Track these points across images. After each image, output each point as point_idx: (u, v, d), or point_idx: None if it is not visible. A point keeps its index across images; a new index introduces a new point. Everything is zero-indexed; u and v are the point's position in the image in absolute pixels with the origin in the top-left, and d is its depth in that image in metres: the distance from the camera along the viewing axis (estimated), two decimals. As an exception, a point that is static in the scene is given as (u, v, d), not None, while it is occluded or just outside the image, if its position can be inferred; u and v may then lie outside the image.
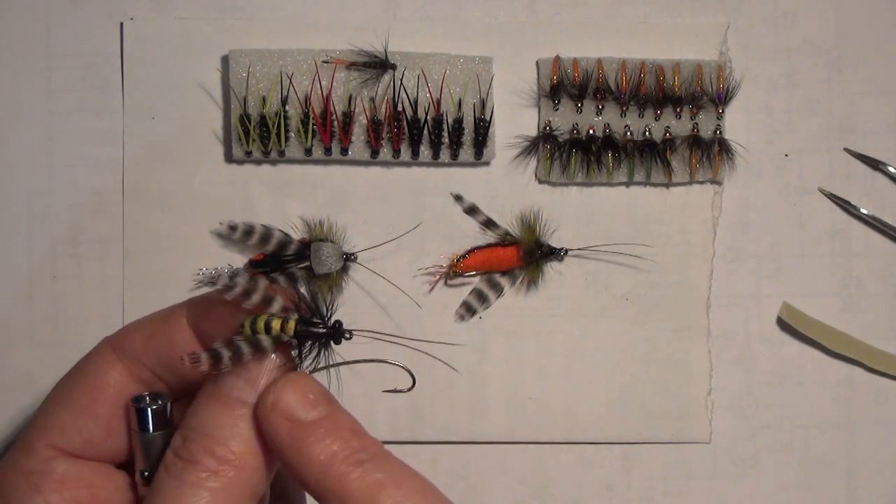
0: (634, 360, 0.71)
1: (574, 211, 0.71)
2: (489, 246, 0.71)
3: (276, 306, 0.47)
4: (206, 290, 0.47)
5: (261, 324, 0.46)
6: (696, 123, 0.70)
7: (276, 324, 0.46)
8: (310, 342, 0.47)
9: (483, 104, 0.70)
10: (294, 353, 0.48)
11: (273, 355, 0.47)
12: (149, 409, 0.49)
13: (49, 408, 0.50)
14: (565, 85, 0.70)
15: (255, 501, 0.47)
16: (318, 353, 0.48)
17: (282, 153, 0.70)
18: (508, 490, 0.71)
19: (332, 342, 0.48)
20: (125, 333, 0.51)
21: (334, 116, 0.69)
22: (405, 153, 0.70)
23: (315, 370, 0.48)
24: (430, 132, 0.69)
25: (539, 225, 0.70)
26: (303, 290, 0.49)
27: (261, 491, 0.47)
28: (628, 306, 0.71)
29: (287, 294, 0.48)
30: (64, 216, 0.70)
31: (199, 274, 0.70)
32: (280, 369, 0.47)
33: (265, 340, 0.46)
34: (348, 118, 0.69)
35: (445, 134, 0.70)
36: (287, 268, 0.69)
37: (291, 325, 0.47)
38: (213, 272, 0.46)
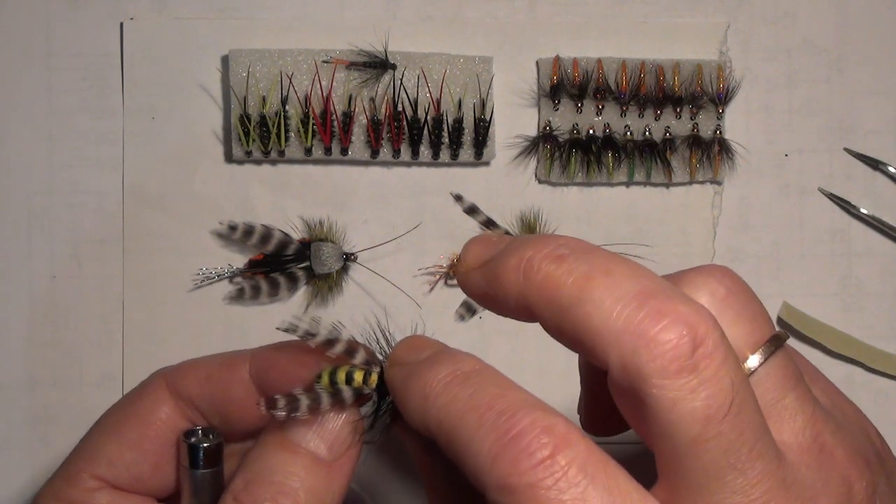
0: (634, 360, 0.71)
1: (574, 211, 0.71)
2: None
3: (359, 358, 0.44)
4: (287, 336, 0.46)
5: (342, 374, 0.44)
6: (696, 123, 0.71)
7: (358, 375, 0.44)
8: (389, 397, 0.44)
9: (483, 104, 0.70)
10: (365, 407, 0.46)
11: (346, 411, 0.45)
12: (200, 447, 0.47)
13: (97, 438, 0.49)
14: (565, 85, 0.70)
15: None
16: (396, 412, 0.44)
17: (282, 153, 0.70)
18: (508, 490, 0.71)
19: None
20: (181, 372, 0.49)
21: (334, 116, 0.69)
22: (405, 153, 0.70)
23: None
24: (430, 132, 0.69)
25: (539, 225, 0.70)
26: (378, 342, 0.47)
27: None
28: (628, 306, 0.71)
29: (368, 349, 0.46)
30: (64, 216, 0.70)
31: (198, 274, 0.70)
32: (352, 425, 0.45)
33: (346, 391, 0.44)
34: (348, 118, 0.69)
35: (445, 134, 0.70)
36: (287, 268, 0.69)
37: (374, 377, 0.44)
38: (293, 321, 0.44)
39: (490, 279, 0.40)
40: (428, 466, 0.45)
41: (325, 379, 0.44)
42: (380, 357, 0.45)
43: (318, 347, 0.44)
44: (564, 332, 0.37)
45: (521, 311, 0.39)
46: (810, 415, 0.37)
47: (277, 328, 0.44)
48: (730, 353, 0.35)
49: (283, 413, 0.43)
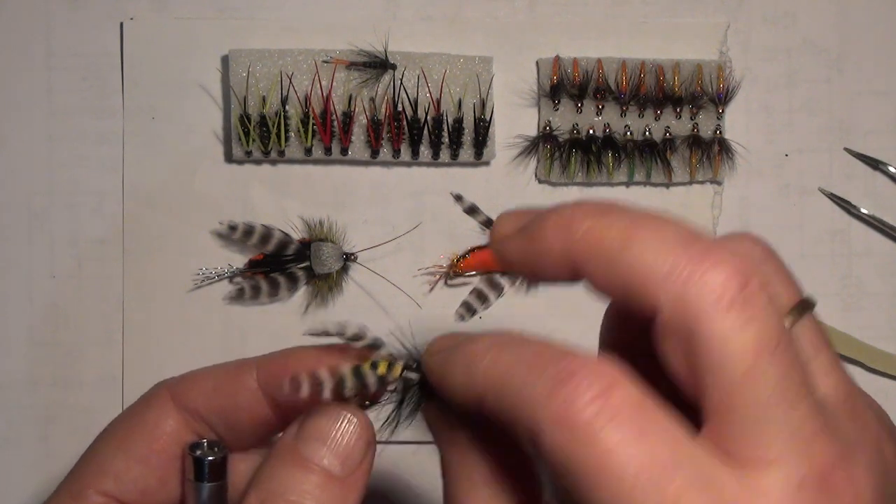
0: (634, 360, 0.71)
1: (574, 211, 0.71)
2: (489, 246, 0.70)
3: (383, 353, 0.44)
4: (320, 339, 0.45)
5: (366, 366, 0.43)
6: (696, 123, 0.71)
7: (382, 366, 0.43)
8: (413, 391, 0.44)
9: (483, 104, 0.70)
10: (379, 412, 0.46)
11: (356, 421, 0.44)
12: (206, 460, 0.47)
13: (103, 452, 0.48)
14: (565, 85, 0.70)
15: None
16: (418, 405, 0.45)
17: (282, 153, 0.70)
18: (508, 490, 0.71)
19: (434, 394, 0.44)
20: (186, 382, 0.48)
21: (334, 116, 0.69)
22: (405, 153, 0.70)
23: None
24: (430, 132, 0.70)
25: (539, 225, 0.70)
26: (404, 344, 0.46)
27: None
28: (628, 306, 0.71)
29: (391, 350, 0.45)
30: (64, 216, 0.70)
31: (198, 274, 0.70)
32: (365, 440, 0.45)
33: (371, 376, 0.43)
34: (348, 118, 0.69)
35: (445, 134, 0.70)
36: (287, 268, 0.69)
37: (398, 368, 0.44)
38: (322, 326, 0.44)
39: (531, 240, 0.41)
40: (458, 452, 0.45)
41: (349, 373, 0.43)
42: (400, 358, 0.45)
43: (350, 348, 0.44)
44: (612, 280, 0.37)
45: (565, 268, 0.39)
46: (842, 375, 0.38)
47: (306, 334, 0.44)
48: (770, 298, 0.36)
49: (306, 393, 0.42)
